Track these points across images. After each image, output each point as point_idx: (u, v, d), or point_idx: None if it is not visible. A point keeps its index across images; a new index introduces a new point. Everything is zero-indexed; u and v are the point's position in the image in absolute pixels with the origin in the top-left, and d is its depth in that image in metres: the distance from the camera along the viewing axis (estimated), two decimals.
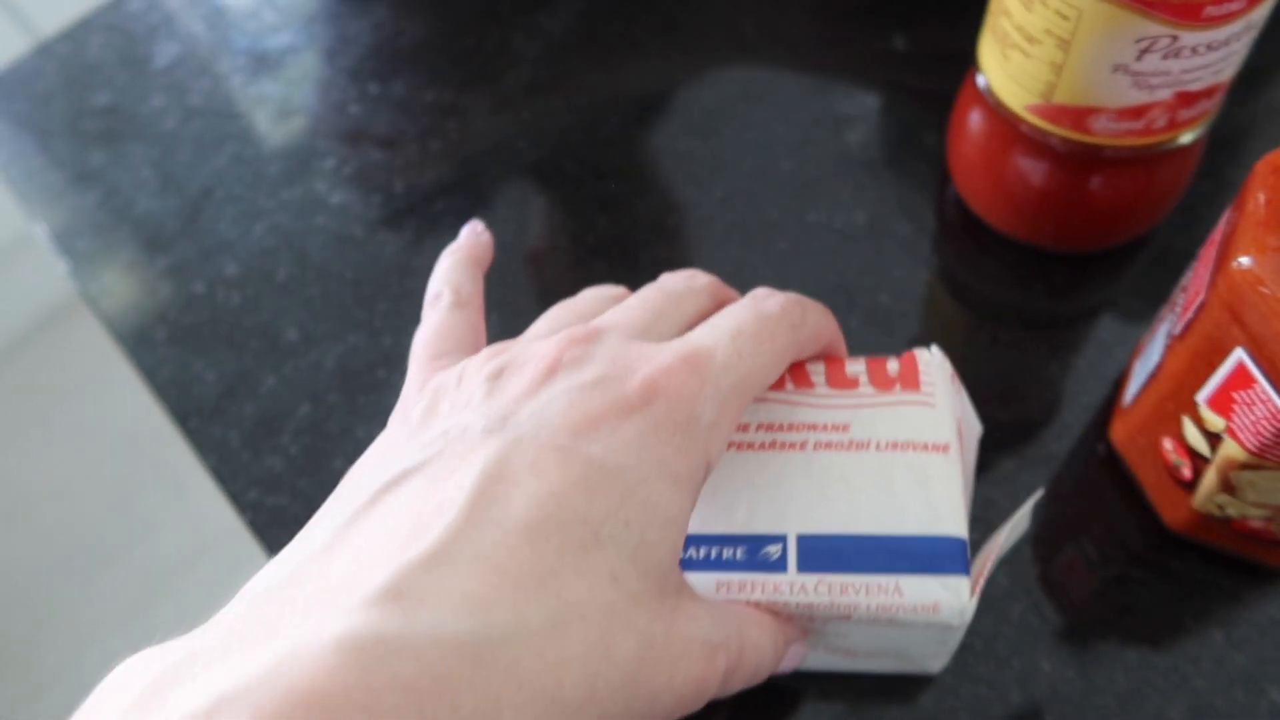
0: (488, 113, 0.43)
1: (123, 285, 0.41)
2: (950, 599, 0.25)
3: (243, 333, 0.39)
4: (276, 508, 0.36)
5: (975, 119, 0.35)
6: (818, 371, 0.28)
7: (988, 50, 0.33)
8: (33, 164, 0.45)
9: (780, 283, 0.38)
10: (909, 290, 0.37)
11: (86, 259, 0.42)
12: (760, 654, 0.24)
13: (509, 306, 0.38)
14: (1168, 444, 0.29)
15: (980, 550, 0.27)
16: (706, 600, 0.24)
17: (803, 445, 0.27)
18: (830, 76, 0.42)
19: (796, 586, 0.25)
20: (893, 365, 0.28)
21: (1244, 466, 0.27)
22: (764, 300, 0.26)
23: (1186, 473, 0.29)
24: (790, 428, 0.27)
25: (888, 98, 0.42)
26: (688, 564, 0.26)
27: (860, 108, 0.42)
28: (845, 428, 0.27)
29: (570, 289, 0.38)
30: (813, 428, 0.27)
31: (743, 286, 0.38)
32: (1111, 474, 0.33)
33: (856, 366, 0.28)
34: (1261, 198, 0.25)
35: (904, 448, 0.27)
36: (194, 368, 0.39)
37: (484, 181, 0.41)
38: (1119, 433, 0.32)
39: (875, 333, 0.36)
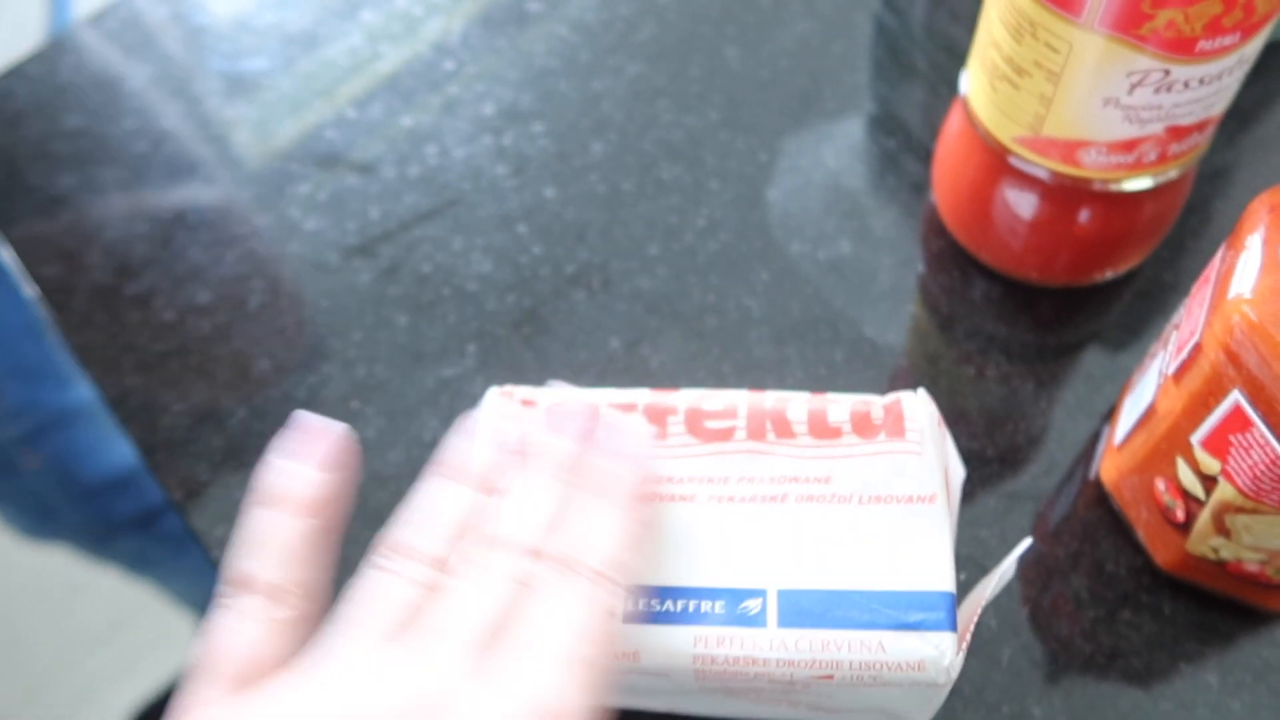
0: (467, 139, 0.42)
1: (90, 313, 0.40)
2: (935, 656, 0.24)
3: (213, 362, 0.38)
4: None
5: (961, 150, 0.35)
6: (800, 420, 0.27)
7: (975, 81, 0.33)
8: (0, 187, 0.43)
9: (763, 314, 0.37)
10: (894, 322, 0.36)
11: (53, 285, 0.41)
12: None
13: (486, 336, 0.37)
14: (1160, 484, 0.29)
15: (965, 602, 0.26)
16: None
17: (784, 498, 0.26)
18: (814, 105, 0.42)
19: (776, 643, 0.25)
20: (877, 412, 0.27)
21: (1239, 510, 0.26)
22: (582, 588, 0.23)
23: (1180, 514, 0.28)
24: (771, 480, 0.27)
25: (872, 127, 0.41)
26: (664, 617, 0.25)
27: (845, 137, 0.41)
28: (828, 479, 0.26)
29: (551, 318, 0.38)
30: (794, 480, 0.27)
31: (726, 319, 0.37)
32: (1101, 512, 0.32)
33: (840, 413, 0.27)
34: (1258, 237, 0.24)
35: (888, 500, 0.26)
36: (162, 398, 0.38)
37: (461, 209, 0.41)
38: (1109, 471, 0.32)
39: (860, 365, 0.36)
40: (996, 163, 0.34)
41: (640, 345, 0.37)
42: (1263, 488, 0.25)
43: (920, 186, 0.39)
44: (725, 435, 0.27)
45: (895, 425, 0.27)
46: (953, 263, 0.38)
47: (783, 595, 0.25)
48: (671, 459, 0.27)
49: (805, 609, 0.25)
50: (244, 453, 0.36)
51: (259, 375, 0.38)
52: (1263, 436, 0.24)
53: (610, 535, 0.24)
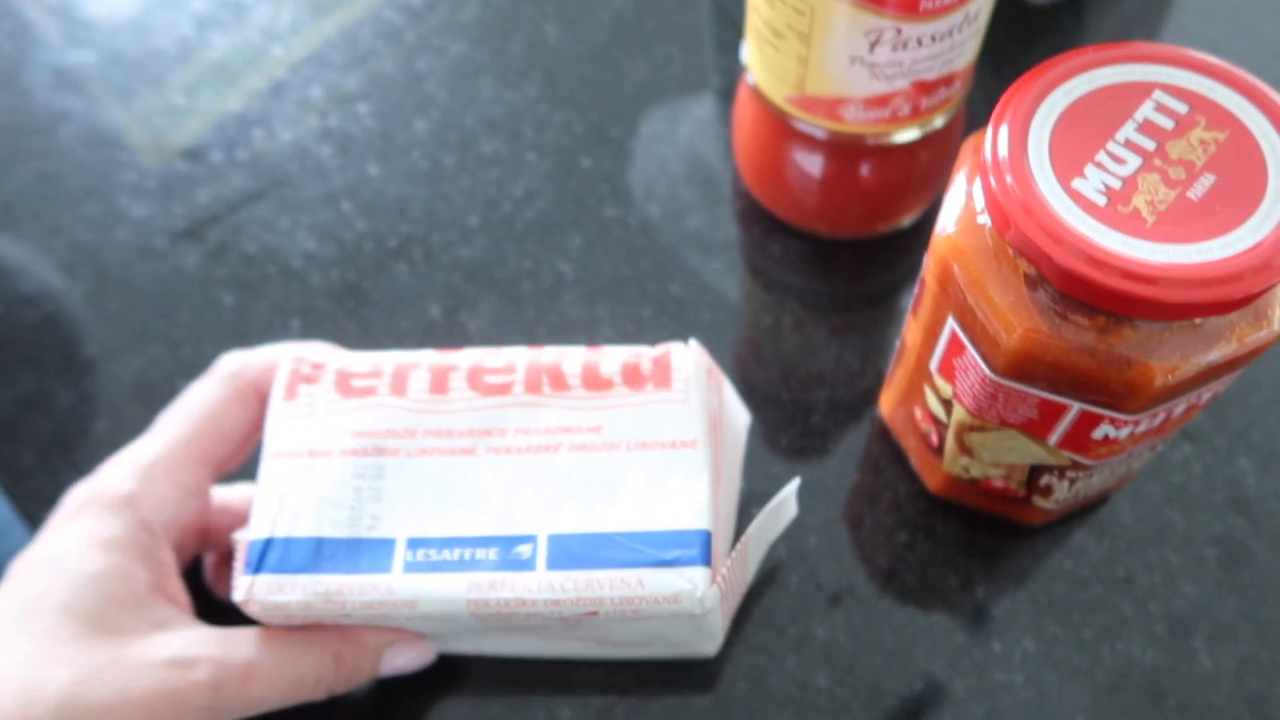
0: (293, 122, 0.43)
1: None
2: (689, 589, 0.26)
3: (40, 350, 0.39)
4: None
5: (750, 114, 0.37)
6: (574, 374, 0.29)
7: (751, 46, 0.35)
8: None
9: (576, 277, 0.39)
10: (699, 279, 0.38)
11: None
12: (294, 665, 0.27)
13: (311, 311, 0.39)
14: (918, 412, 0.31)
15: (739, 539, 0.28)
16: (197, 627, 0.27)
17: (557, 448, 0.28)
18: (621, 73, 0.44)
19: (544, 584, 0.26)
20: (646, 364, 0.29)
21: (972, 429, 0.28)
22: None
23: (935, 439, 0.31)
24: (545, 431, 0.28)
25: (678, 93, 0.43)
26: (442, 566, 0.27)
27: (653, 100, 0.43)
28: (598, 429, 0.28)
29: (373, 290, 0.39)
30: (567, 430, 0.28)
31: (540, 283, 0.39)
32: (884, 445, 0.35)
33: (612, 366, 0.29)
34: (963, 175, 0.26)
35: (653, 446, 0.28)
36: None
37: (287, 189, 0.41)
38: (885, 405, 0.34)
39: (666, 321, 0.37)
40: (780, 125, 0.35)
41: (459, 312, 0.38)
42: (982, 406, 0.27)
43: (727, 148, 0.41)
44: (504, 389, 0.29)
45: (663, 376, 0.29)
46: (755, 221, 0.40)
47: (552, 540, 0.27)
48: (452, 414, 0.29)
49: (572, 551, 0.27)
50: (71, 437, 0.37)
51: (85, 361, 0.38)
52: (973, 358, 0.26)
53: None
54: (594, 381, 0.29)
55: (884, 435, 0.35)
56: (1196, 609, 0.32)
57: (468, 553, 0.27)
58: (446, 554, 0.27)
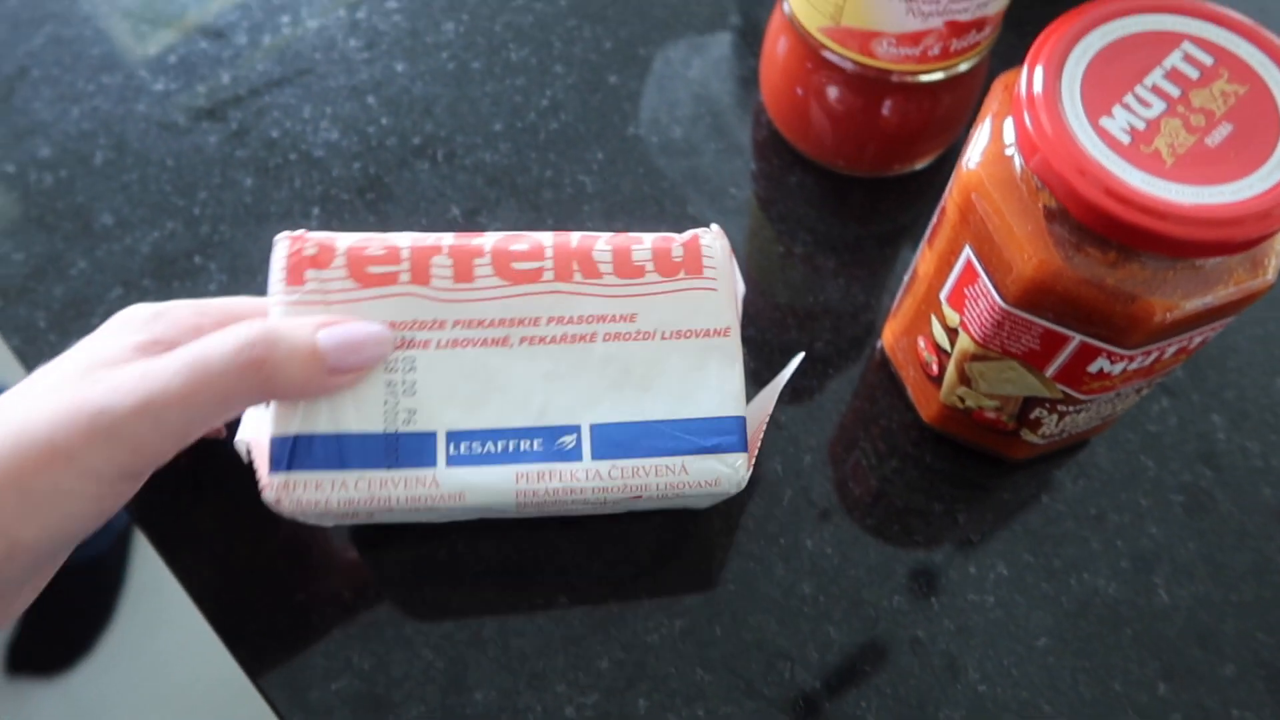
0: (321, 11, 0.43)
1: None
2: (729, 473, 0.28)
3: (55, 215, 0.39)
4: None
5: (782, 44, 0.38)
6: (605, 261, 0.29)
7: None
8: None
9: (596, 190, 0.39)
10: (715, 202, 0.39)
11: None
12: (206, 384, 0.25)
13: (331, 201, 0.39)
14: (921, 342, 0.32)
15: (751, 415, 0.29)
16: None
17: (593, 337, 0.29)
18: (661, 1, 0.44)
19: (591, 473, 0.27)
20: (677, 250, 0.29)
21: (974, 358, 0.30)
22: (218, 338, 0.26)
23: (935, 368, 0.32)
24: (580, 320, 0.29)
25: (710, 22, 0.44)
26: (487, 459, 0.27)
27: (683, 27, 0.43)
28: (633, 318, 0.29)
29: (395, 185, 0.39)
30: (601, 319, 0.29)
31: (561, 193, 0.39)
32: (882, 376, 0.36)
33: (643, 251, 0.29)
34: (992, 109, 0.27)
35: (688, 334, 0.29)
36: (1, 248, 0.38)
37: (312, 78, 0.42)
38: (888, 336, 0.35)
39: None
40: (810, 55, 0.36)
41: (479, 214, 0.39)
42: (988, 334, 0.28)
43: (752, 79, 0.42)
44: (534, 276, 0.29)
45: (694, 264, 0.29)
46: (774, 152, 0.40)
47: (595, 429, 0.28)
48: (481, 302, 0.29)
49: (616, 440, 0.28)
50: (84, 303, 0.37)
51: (101, 229, 0.38)
52: (986, 286, 0.27)
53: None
54: (626, 268, 0.29)
55: (883, 367, 0.36)
56: (1160, 548, 0.34)
57: (512, 444, 0.28)
58: (490, 446, 0.28)
